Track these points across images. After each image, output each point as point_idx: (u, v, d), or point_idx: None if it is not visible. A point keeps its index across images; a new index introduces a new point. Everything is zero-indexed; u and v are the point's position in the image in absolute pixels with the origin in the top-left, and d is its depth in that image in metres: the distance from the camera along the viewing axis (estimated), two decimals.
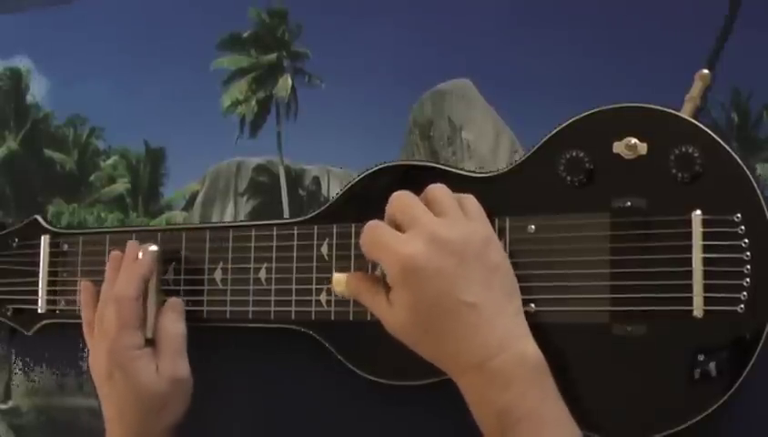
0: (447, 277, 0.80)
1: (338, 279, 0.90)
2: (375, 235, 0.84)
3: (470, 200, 0.87)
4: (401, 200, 0.85)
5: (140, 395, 0.97)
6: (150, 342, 0.99)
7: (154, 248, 1.01)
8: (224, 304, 1.01)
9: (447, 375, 0.86)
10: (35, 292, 1.13)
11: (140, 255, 1.01)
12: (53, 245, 1.13)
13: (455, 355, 0.81)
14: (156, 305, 1.01)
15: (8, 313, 1.16)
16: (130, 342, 0.97)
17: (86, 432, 1.20)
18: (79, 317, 1.10)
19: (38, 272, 1.13)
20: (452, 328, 0.80)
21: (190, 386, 0.99)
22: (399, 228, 0.83)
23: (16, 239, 1.17)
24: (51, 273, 1.13)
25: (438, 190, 0.86)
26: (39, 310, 1.13)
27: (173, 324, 1.00)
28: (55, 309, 1.12)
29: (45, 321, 1.13)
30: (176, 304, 1.01)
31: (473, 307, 0.80)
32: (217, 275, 1.02)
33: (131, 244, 1.03)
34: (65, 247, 1.13)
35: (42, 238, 1.14)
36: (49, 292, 1.12)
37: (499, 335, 0.80)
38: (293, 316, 0.97)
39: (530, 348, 0.81)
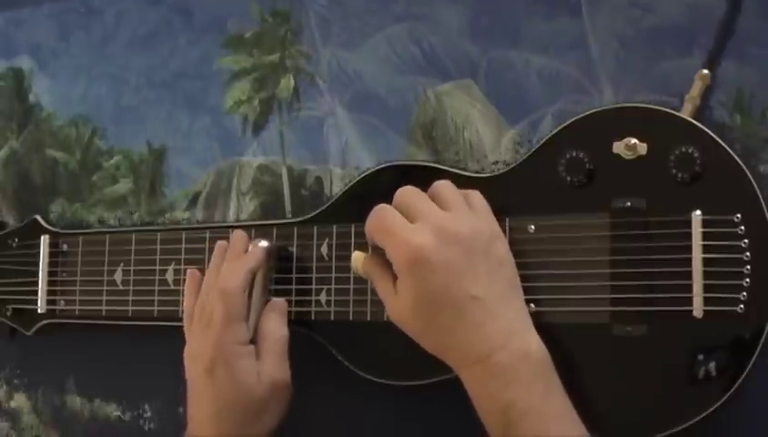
0: (454, 270, 0.80)
1: (357, 256, 0.90)
2: (383, 220, 0.84)
3: (476, 195, 0.87)
4: (407, 194, 0.85)
5: (240, 396, 0.91)
6: (252, 342, 0.94)
7: (264, 243, 0.97)
8: None
9: (446, 375, 0.86)
10: (35, 292, 1.13)
11: (250, 248, 0.97)
12: (53, 245, 1.13)
13: (458, 348, 0.81)
14: (261, 303, 0.96)
15: (8, 313, 1.16)
16: (237, 337, 0.92)
17: (86, 433, 1.20)
18: (78, 317, 1.11)
19: (38, 272, 1.13)
20: (456, 321, 0.80)
21: (290, 393, 0.94)
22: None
23: (16, 239, 1.17)
24: (51, 273, 1.13)
25: (443, 186, 0.86)
26: (39, 310, 1.13)
27: (276, 326, 0.95)
28: (55, 309, 1.12)
29: (45, 321, 1.13)
30: (279, 305, 0.96)
31: (478, 301, 0.80)
32: None
33: (238, 234, 0.99)
34: (65, 247, 1.13)
35: (42, 238, 1.14)
36: (49, 292, 1.12)
37: (502, 329, 0.80)
38: (293, 316, 0.97)
39: (534, 343, 0.81)
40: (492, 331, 0.80)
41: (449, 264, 0.80)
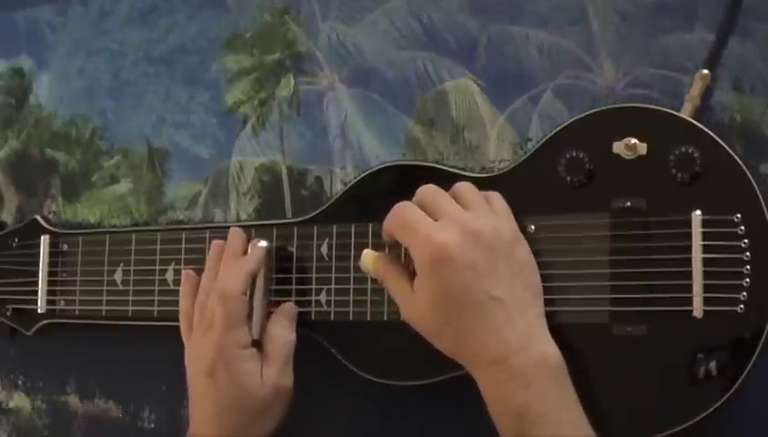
0: (477, 269, 0.79)
1: (368, 254, 0.89)
2: (406, 216, 0.83)
3: (497, 197, 0.87)
4: (430, 192, 0.84)
5: (241, 398, 0.91)
6: (255, 344, 0.93)
7: (264, 243, 0.96)
8: None
9: (446, 375, 0.86)
10: (35, 292, 1.13)
11: (249, 249, 0.96)
12: (53, 245, 1.13)
13: (475, 349, 0.80)
14: (263, 305, 0.95)
15: (8, 313, 1.16)
16: (238, 340, 0.91)
17: (86, 433, 1.20)
18: (78, 317, 1.11)
19: (38, 272, 1.13)
20: (476, 321, 0.79)
21: (291, 398, 0.94)
22: None
23: (16, 239, 1.17)
24: (51, 273, 1.13)
25: (464, 187, 0.86)
26: (39, 310, 1.13)
27: (283, 330, 0.94)
28: (55, 309, 1.12)
29: (45, 321, 1.13)
30: (288, 309, 0.96)
31: (499, 302, 0.79)
32: None
33: (235, 232, 0.98)
34: (65, 247, 1.13)
35: (42, 238, 1.14)
36: (49, 292, 1.12)
37: (521, 333, 0.79)
38: None
39: (552, 349, 0.81)
40: (511, 334, 0.79)
41: (473, 264, 0.79)
